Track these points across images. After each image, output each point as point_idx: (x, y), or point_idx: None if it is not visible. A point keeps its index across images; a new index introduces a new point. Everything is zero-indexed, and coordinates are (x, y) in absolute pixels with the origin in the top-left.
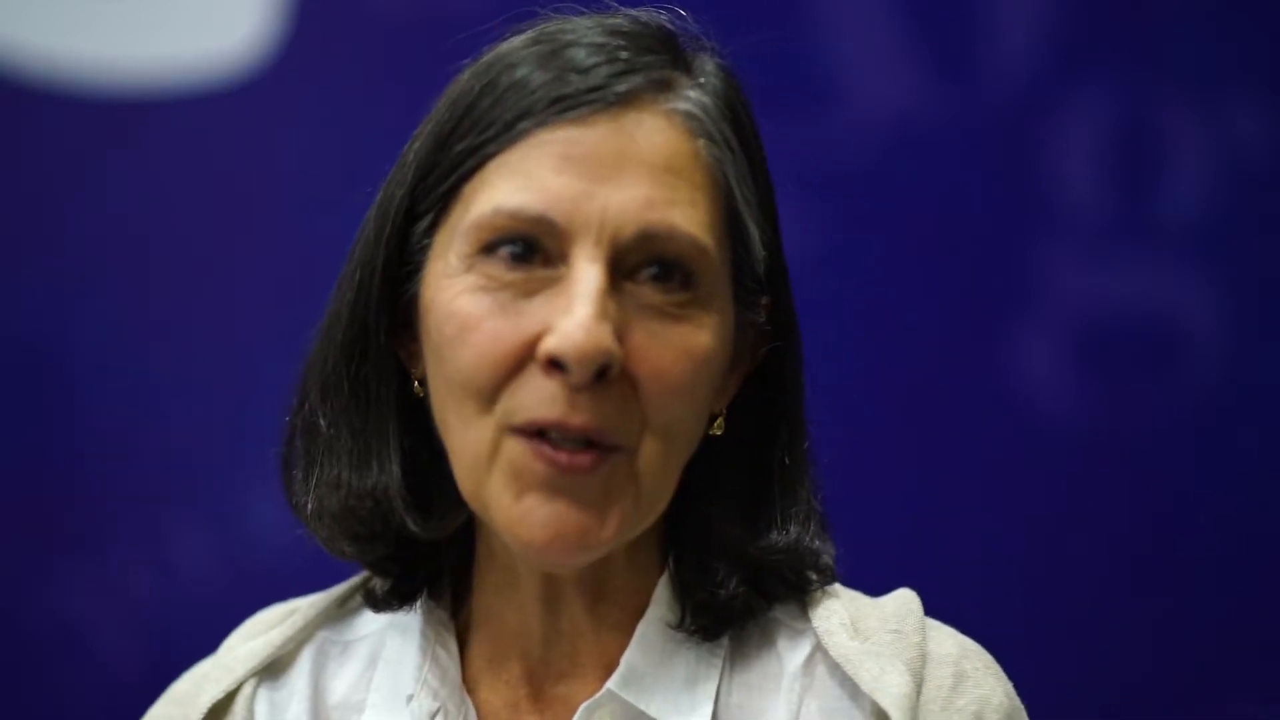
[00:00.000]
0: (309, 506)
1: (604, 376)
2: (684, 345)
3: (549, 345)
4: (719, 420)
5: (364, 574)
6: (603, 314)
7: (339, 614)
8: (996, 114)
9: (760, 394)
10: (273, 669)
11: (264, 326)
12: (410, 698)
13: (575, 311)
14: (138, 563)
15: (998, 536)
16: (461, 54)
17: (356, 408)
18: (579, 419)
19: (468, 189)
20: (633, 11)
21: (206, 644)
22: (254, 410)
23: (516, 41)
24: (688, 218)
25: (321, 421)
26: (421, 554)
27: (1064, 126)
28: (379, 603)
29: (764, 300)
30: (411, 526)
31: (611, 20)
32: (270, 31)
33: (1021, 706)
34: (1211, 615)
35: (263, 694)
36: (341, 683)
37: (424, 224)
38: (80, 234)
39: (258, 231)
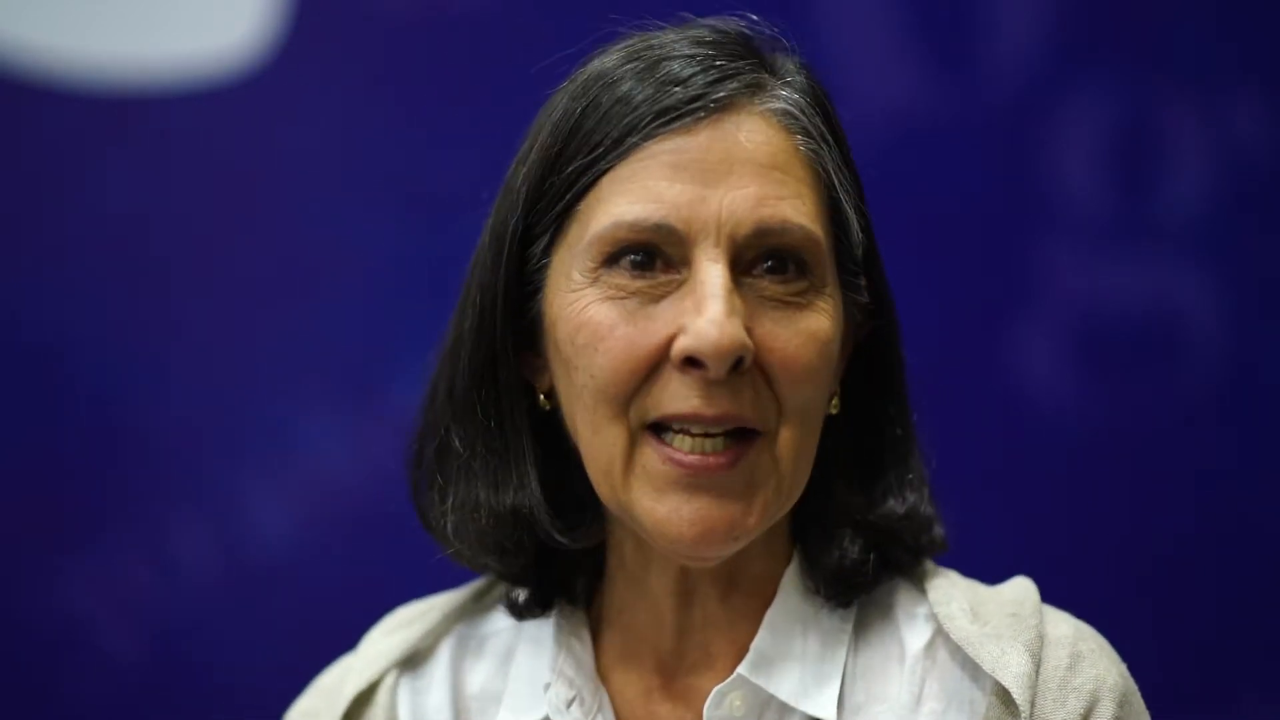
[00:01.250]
0: (448, 527)
1: (739, 368)
2: (808, 331)
3: (684, 344)
4: (834, 399)
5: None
6: (732, 309)
7: (474, 610)
8: (997, 112)
9: (866, 371)
10: (413, 661)
11: (264, 323)
12: (547, 686)
13: (707, 310)
14: (139, 560)
15: (998, 533)
16: (464, 56)
17: (490, 429)
18: (715, 410)
19: (583, 206)
20: (709, 21)
21: (207, 640)
22: (254, 408)
23: (610, 61)
24: (797, 210)
25: (456, 444)
26: (556, 560)
27: (1064, 125)
28: (521, 611)
29: (863, 281)
30: (558, 538)
31: (694, 32)
32: (269, 30)
33: (1135, 687)
34: (1212, 612)
35: (404, 684)
36: (479, 675)
37: (541, 244)
38: (80, 232)
39: (258, 229)
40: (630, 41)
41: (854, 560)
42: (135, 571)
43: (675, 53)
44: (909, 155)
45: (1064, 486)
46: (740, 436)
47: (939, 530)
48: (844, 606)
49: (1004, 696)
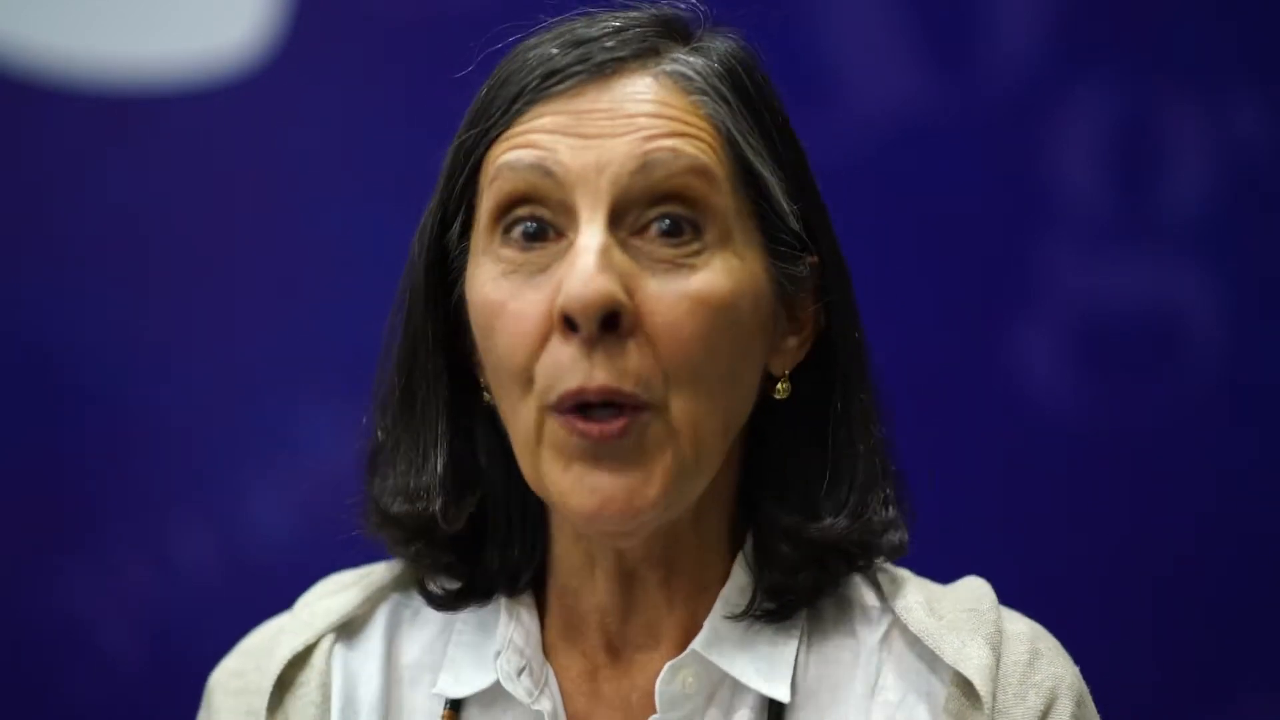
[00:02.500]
0: (377, 517)
1: (615, 326)
2: (696, 293)
3: (558, 304)
4: (782, 385)
5: None
6: (604, 265)
7: (413, 579)
8: (997, 110)
9: (820, 360)
10: (349, 627)
11: (264, 323)
12: (498, 654)
13: (577, 265)
14: (139, 560)
15: (998, 533)
16: (464, 54)
17: (409, 416)
18: (597, 380)
19: (480, 179)
20: (650, 7)
21: (207, 640)
22: (254, 408)
23: (528, 41)
24: (688, 144)
25: (383, 435)
26: (495, 554)
27: (1065, 123)
28: (438, 601)
29: (810, 258)
30: (440, 521)
31: (622, 13)
32: (270, 29)
33: (1088, 691)
34: (1213, 612)
35: (339, 650)
36: (415, 645)
37: (456, 229)
38: (81, 231)
39: (258, 228)
40: (558, 24)
41: (796, 584)
42: (135, 570)
43: (584, 29)
44: (908, 154)
45: (1064, 485)
46: (626, 408)
47: (894, 538)
48: (778, 621)
49: (965, 687)
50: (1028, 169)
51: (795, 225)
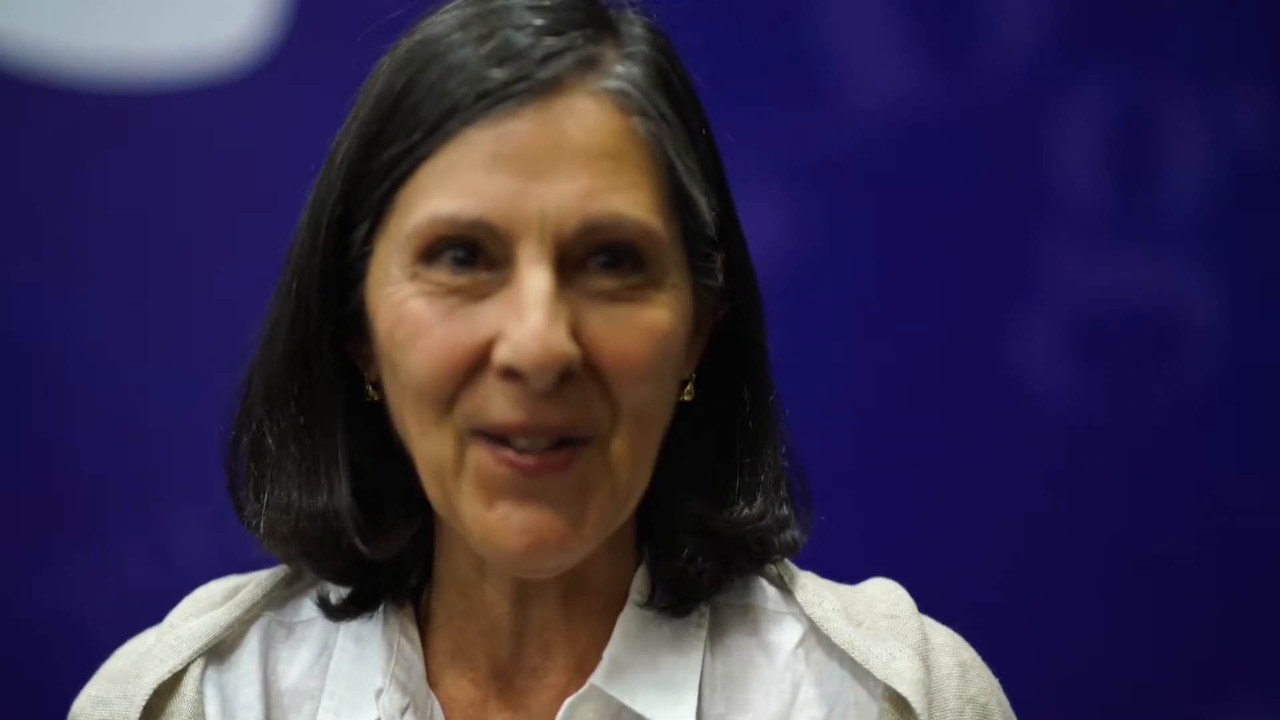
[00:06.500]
0: (260, 526)
1: (566, 379)
2: (643, 326)
3: (503, 356)
4: (689, 386)
5: None
6: (554, 317)
7: (285, 595)
8: (996, 106)
9: (720, 355)
10: (219, 650)
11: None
12: (379, 691)
13: (527, 319)
14: (137, 554)
15: (997, 529)
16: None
17: (304, 425)
18: (540, 420)
19: (401, 196)
20: None
21: None
22: None
23: (440, 25)
24: (632, 202)
25: (269, 440)
26: (379, 563)
27: (1064, 118)
28: (335, 612)
29: (720, 258)
30: (360, 547)
31: None
32: (269, 25)
33: (1007, 701)
34: (1212, 608)
35: (211, 675)
36: (293, 668)
37: (361, 231)
38: (79, 228)
39: (256, 225)
40: (464, 3)
41: (694, 571)
42: (134, 567)
43: (510, 22)
44: (908, 150)
45: (1063, 483)
46: (571, 442)
47: (791, 534)
48: (680, 616)
49: (898, 703)
50: (1027, 165)
51: (711, 231)
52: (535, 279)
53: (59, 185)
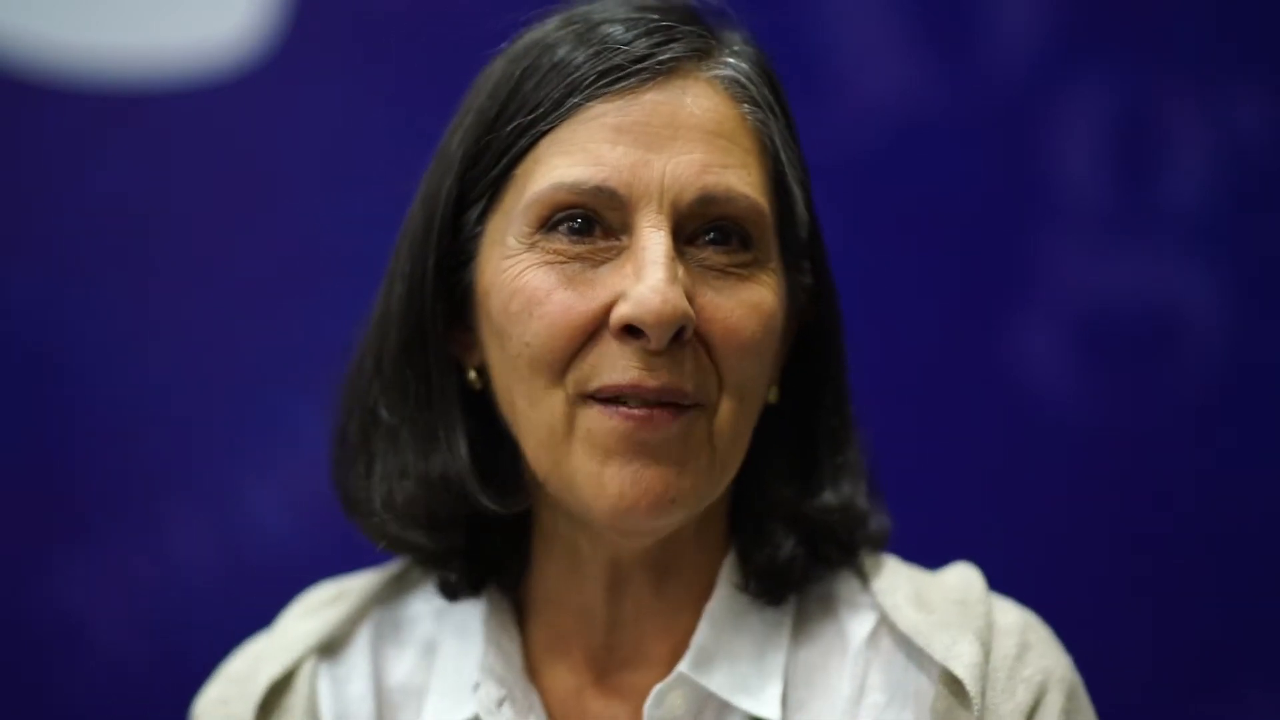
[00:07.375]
0: (375, 500)
1: (680, 338)
2: (751, 303)
3: (624, 312)
4: (774, 388)
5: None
6: (674, 277)
7: (392, 593)
8: (996, 105)
9: (805, 360)
10: (330, 647)
11: (262, 316)
12: (476, 685)
13: (648, 276)
14: (137, 553)
15: (998, 528)
16: (463, 47)
17: (420, 399)
18: (657, 380)
19: (520, 170)
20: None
21: (206, 633)
22: (253, 404)
23: (548, 26)
24: (742, 179)
25: (384, 414)
26: (484, 541)
27: (1065, 116)
28: (454, 591)
29: (806, 264)
30: (485, 503)
31: (642, 5)
32: (268, 23)
33: (1081, 680)
34: (1213, 607)
35: (323, 671)
36: (401, 665)
37: (476, 211)
38: (78, 225)
39: (256, 222)
40: (568, 10)
41: (785, 557)
42: (133, 566)
43: (616, 16)
44: (909, 149)
45: (1064, 481)
46: (678, 406)
47: (877, 524)
48: (775, 604)
49: (954, 686)
50: (1029, 164)
51: (804, 230)
52: (656, 241)
53: (59, 185)
